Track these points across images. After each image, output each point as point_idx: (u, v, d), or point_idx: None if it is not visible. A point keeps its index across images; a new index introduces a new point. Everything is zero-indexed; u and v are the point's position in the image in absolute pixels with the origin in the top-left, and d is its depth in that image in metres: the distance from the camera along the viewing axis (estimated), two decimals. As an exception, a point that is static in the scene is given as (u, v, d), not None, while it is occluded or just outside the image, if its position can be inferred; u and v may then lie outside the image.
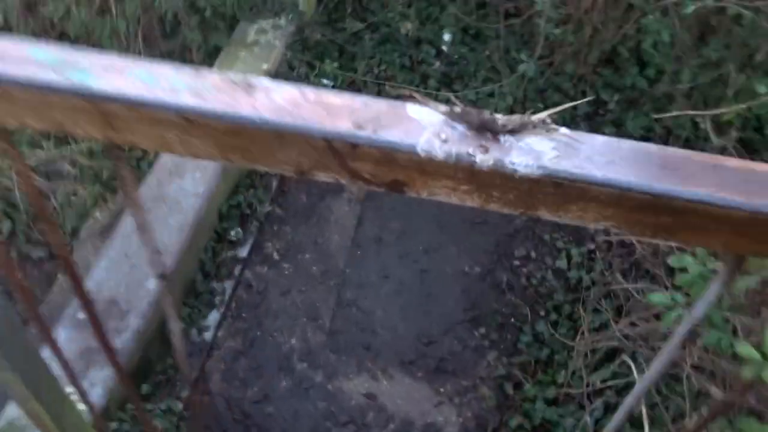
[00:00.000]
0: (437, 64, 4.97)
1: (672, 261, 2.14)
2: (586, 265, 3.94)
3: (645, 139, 4.33)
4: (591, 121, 4.51)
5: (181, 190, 3.89)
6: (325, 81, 4.81)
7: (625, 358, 3.30)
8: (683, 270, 2.07)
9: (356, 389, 3.62)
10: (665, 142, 4.26)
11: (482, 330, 3.78)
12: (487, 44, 4.87)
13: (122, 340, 3.30)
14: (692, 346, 2.61)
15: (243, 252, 4.13)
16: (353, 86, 4.85)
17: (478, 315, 3.85)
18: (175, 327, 1.39)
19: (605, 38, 4.39)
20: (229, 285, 3.98)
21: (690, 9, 3.58)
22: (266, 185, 4.49)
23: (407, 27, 4.98)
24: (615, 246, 4.03)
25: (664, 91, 4.27)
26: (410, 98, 0.77)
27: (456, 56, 4.94)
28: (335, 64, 4.81)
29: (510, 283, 3.97)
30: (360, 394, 3.60)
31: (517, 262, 4.07)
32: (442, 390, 3.58)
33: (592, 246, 4.01)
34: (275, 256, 4.23)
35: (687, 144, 4.17)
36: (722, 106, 3.86)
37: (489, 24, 4.88)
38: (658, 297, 2.13)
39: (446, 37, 5.07)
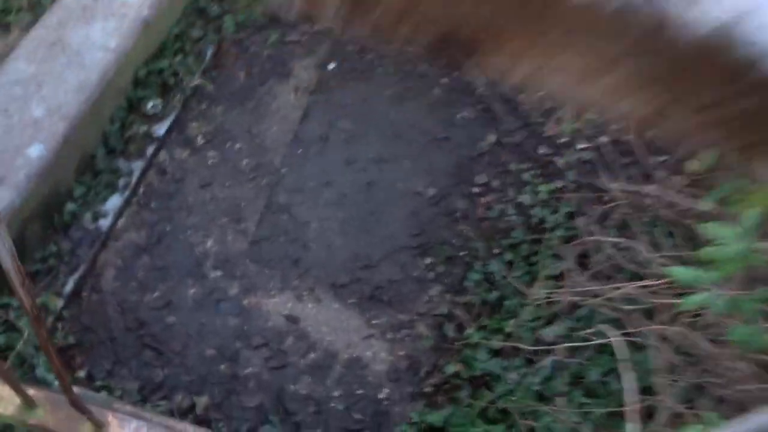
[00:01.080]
0: None
1: (705, 229, 1.65)
2: (552, 205, 3.47)
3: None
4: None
5: (87, 40, 3.06)
6: None
7: (584, 314, 2.92)
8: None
9: (276, 309, 3.09)
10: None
11: (428, 260, 3.30)
12: None
13: (-13, 217, 2.58)
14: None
15: (160, 130, 3.40)
16: None
17: (425, 243, 3.35)
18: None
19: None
20: (137, 166, 3.27)
21: None
22: (199, 53, 3.69)
23: None
24: (584, 188, 3.58)
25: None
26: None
27: None
28: None
29: (466, 213, 3.47)
30: (280, 315, 3.08)
31: (476, 190, 3.55)
32: (374, 322, 3.11)
33: (560, 184, 3.53)
34: (199, 140, 3.51)
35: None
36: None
37: None
38: (683, 272, 1.65)
39: None
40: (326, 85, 3.81)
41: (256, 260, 3.21)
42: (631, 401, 2.41)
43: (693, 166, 3.36)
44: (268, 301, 3.10)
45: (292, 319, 3.07)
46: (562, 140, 3.73)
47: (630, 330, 2.71)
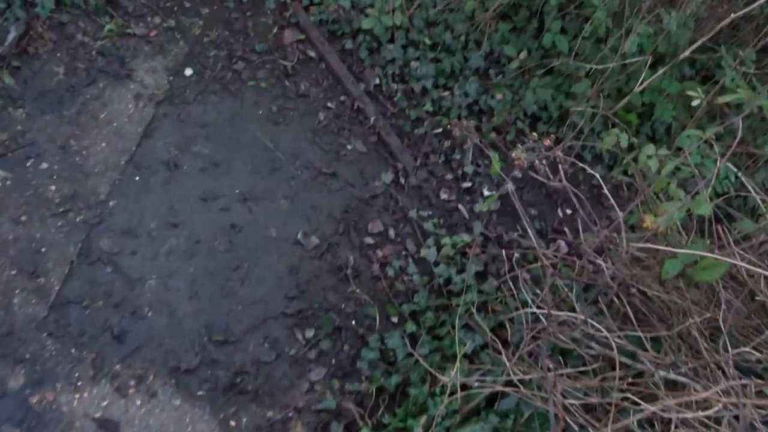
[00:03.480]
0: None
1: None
2: (458, 262, 2.79)
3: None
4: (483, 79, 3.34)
5: None
6: None
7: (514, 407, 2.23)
8: None
9: (84, 409, 2.04)
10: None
11: (309, 333, 2.44)
12: None
13: None
14: None
15: None
16: None
17: (305, 309, 2.49)
18: None
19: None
20: None
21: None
22: (1, 34, 2.58)
23: None
24: (494, 241, 2.96)
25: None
26: None
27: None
28: None
29: (357, 269, 2.67)
30: (89, 419, 2.03)
31: (370, 240, 2.77)
32: (232, 424, 2.17)
33: (467, 237, 2.87)
34: (-17, 154, 2.39)
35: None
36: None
37: None
38: None
39: None
40: (180, 96, 2.85)
41: (56, 334, 2.14)
42: None
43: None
44: (70, 397, 2.04)
45: (107, 426, 2.03)
46: (466, 185, 3.09)
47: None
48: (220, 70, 2.99)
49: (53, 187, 2.39)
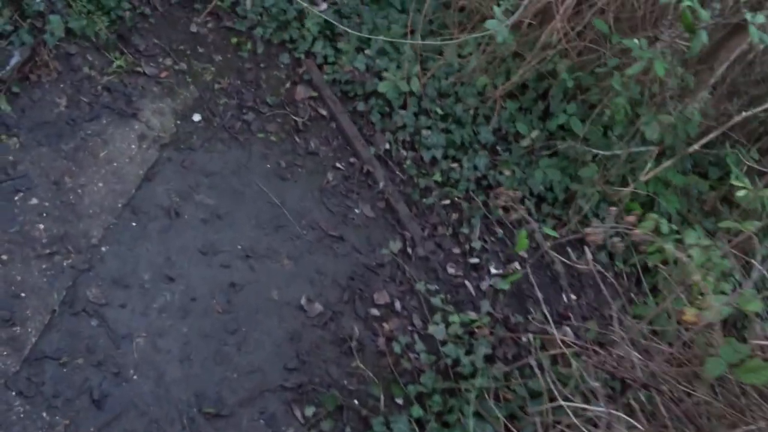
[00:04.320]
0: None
1: None
2: (466, 342, 2.62)
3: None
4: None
5: None
6: None
7: None
8: None
9: (50, 487, 1.74)
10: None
11: (309, 410, 2.20)
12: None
13: None
14: None
15: None
16: None
17: (305, 383, 2.27)
18: None
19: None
20: None
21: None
22: (3, 57, 2.39)
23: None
24: (501, 322, 2.81)
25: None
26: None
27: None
28: None
29: (362, 342, 2.47)
30: (55, 499, 1.73)
31: (375, 311, 2.59)
32: None
33: (474, 316, 2.72)
34: (-33, 182, 2.15)
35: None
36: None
37: None
38: None
39: None
40: (186, 141, 2.68)
41: (27, 394, 1.85)
42: None
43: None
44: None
45: None
46: (473, 260, 2.97)
47: None
48: (229, 118, 2.85)
49: (41, 226, 2.15)
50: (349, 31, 2.83)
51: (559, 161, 3.35)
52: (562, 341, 2.38)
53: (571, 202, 3.29)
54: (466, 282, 2.89)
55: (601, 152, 3.07)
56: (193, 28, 3.01)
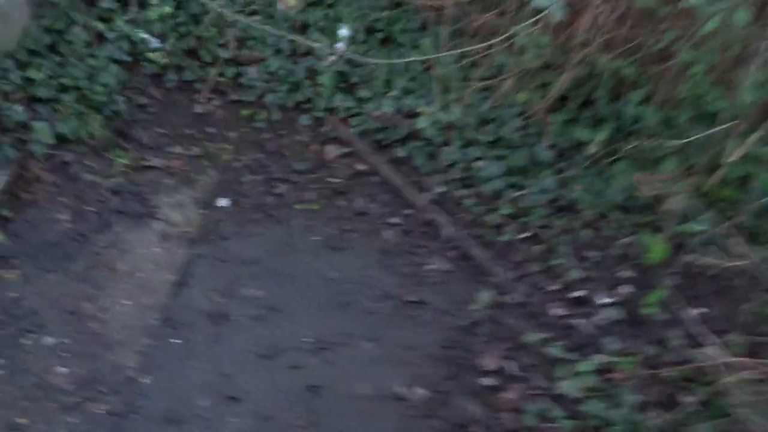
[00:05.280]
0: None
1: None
2: (607, 392, 2.07)
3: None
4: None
5: None
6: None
7: None
8: None
9: None
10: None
11: None
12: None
13: None
14: None
15: None
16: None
17: (432, 494, 1.71)
18: None
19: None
20: None
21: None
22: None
23: None
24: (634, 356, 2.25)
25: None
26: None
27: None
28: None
29: (485, 423, 1.92)
30: None
31: (486, 381, 2.06)
32: None
33: (604, 358, 2.17)
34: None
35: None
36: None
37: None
38: None
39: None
40: (215, 232, 2.25)
41: None
42: None
43: None
44: None
45: None
46: (576, 294, 2.45)
47: None
48: (258, 196, 2.44)
49: (63, 370, 1.69)
50: (377, 61, 2.45)
51: (631, 164, 2.90)
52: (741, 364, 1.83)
53: (657, 206, 2.81)
54: (574, 320, 2.37)
55: (677, 141, 2.62)
56: (198, 109, 2.67)
